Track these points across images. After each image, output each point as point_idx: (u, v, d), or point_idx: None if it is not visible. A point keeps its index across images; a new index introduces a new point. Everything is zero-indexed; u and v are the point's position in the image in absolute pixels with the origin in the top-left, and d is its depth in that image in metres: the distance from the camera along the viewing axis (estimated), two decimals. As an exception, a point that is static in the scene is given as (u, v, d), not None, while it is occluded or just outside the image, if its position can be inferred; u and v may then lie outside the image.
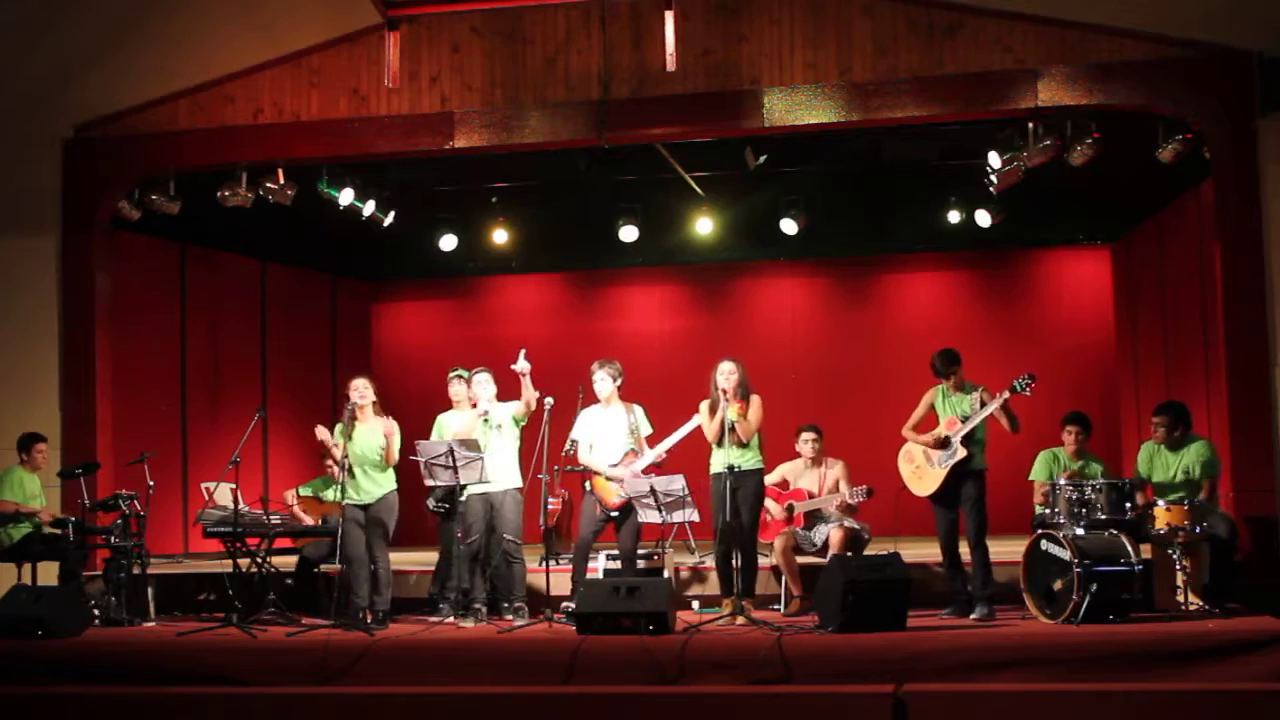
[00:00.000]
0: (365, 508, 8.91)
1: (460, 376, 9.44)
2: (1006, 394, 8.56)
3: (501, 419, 9.10)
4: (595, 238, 13.37)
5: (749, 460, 8.77)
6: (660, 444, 9.14)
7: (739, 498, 8.62)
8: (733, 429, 8.64)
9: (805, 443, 9.49)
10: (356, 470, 8.88)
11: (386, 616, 8.85)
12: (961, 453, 8.61)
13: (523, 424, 9.19)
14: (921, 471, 8.84)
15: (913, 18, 10.02)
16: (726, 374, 8.75)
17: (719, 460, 8.71)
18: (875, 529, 9.45)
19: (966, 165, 11.39)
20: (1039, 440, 9.41)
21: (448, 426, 9.31)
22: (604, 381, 9.16)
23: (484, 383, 9.13)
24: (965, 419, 8.66)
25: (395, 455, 8.98)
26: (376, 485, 8.93)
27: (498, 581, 9.04)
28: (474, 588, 8.97)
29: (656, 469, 9.02)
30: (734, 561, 8.66)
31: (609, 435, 9.15)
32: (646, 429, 9.21)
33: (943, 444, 8.71)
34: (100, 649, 8.42)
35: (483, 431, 9.02)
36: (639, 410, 9.26)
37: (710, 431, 8.81)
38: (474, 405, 9.16)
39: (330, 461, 9.49)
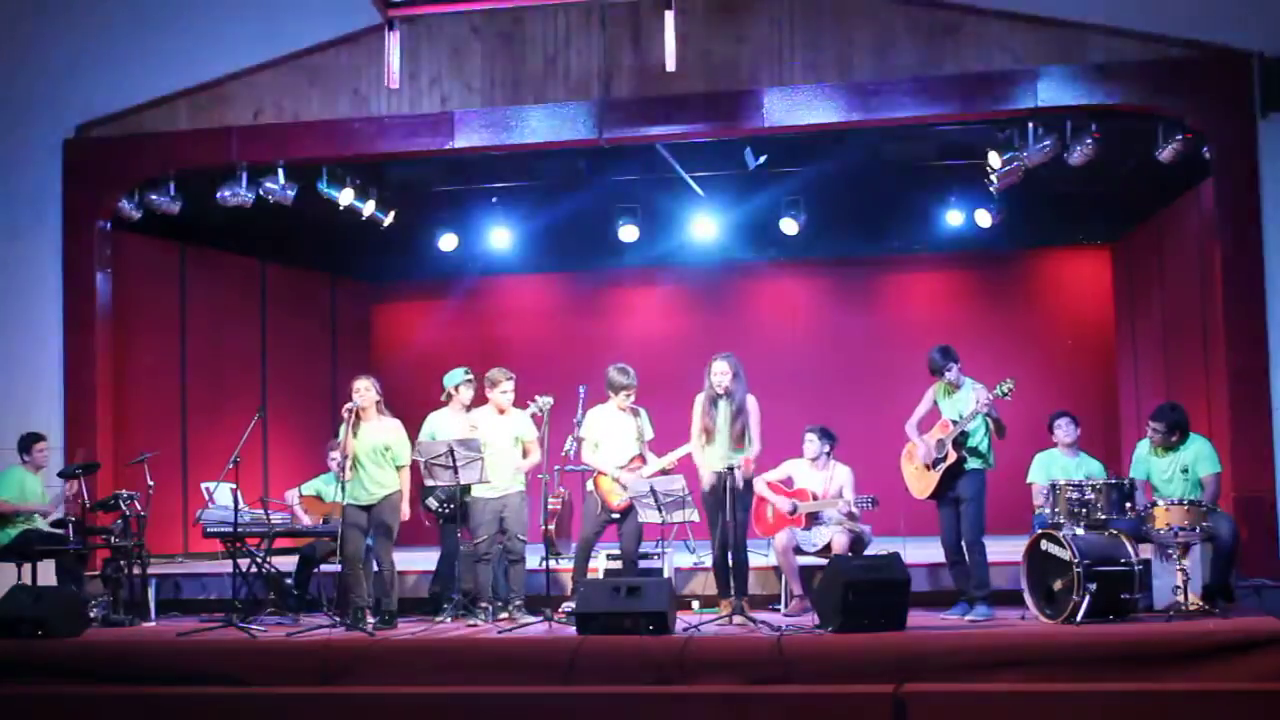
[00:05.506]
0: (368, 508, 8.89)
1: (469, 381, 9.40)
2: (988, 400, 8.45)
3: (519, 431, 9.08)
4: (595, 238, 13.36)
5: (743, 462, 8.68)
6: (668, 455, 9.11)
7: (733, 498, 8.56)
8: (731, 470, 8.41)
9: (807, 442, 9.47)
10: (360, 470, 8.86)
11: (393, 617, 8.83)
12: (952, 456, 8.55)
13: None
14: (920, 473, 8.81)
15: (913, 18, 10.03)
16: (719, 374, 8.50)
17: (717, 459, 8.62)
18: (882, 530, 9.40)
19: (966, 165, 11.40)
20: (1038, 441, 9.40)
21: (439, 427, 9.24)
22: (632, 395, 9.12)
23: (508, 390, 9.07)
24: (956, 421, 8.63)
25: (407, 456, 8.98)
26: (380, 486, 8.89)
27: (507, 581, 9.04)
28: (478, 588, 8.96)
29: (663, 474, 8.99)
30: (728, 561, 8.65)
31: (616, 437, 9.14)
32: (649, 433, 9.22)
33: (937, 446, 8.68)
34: (100, 649, 8.41)
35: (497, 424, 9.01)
36: (643, 414, 9.26)
37: (695, 444, 8.64)
38: (501, 411, 9.07)
39: (335, 456, 9.46)
